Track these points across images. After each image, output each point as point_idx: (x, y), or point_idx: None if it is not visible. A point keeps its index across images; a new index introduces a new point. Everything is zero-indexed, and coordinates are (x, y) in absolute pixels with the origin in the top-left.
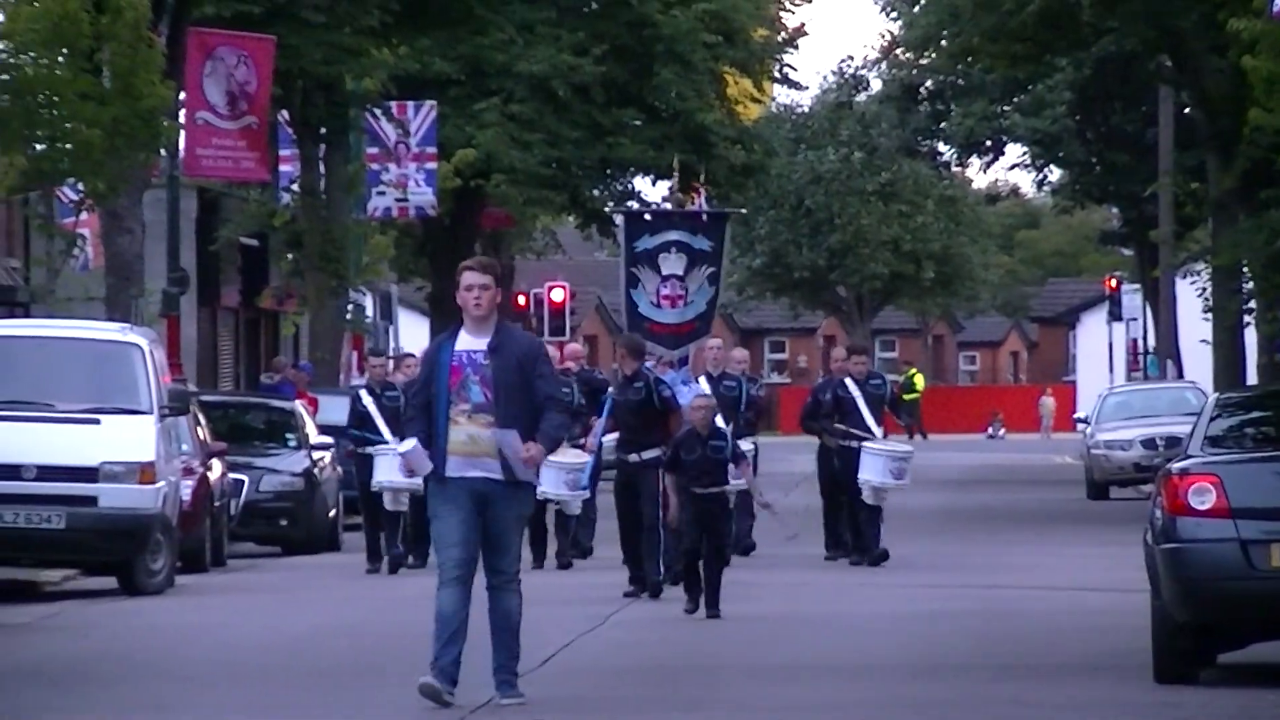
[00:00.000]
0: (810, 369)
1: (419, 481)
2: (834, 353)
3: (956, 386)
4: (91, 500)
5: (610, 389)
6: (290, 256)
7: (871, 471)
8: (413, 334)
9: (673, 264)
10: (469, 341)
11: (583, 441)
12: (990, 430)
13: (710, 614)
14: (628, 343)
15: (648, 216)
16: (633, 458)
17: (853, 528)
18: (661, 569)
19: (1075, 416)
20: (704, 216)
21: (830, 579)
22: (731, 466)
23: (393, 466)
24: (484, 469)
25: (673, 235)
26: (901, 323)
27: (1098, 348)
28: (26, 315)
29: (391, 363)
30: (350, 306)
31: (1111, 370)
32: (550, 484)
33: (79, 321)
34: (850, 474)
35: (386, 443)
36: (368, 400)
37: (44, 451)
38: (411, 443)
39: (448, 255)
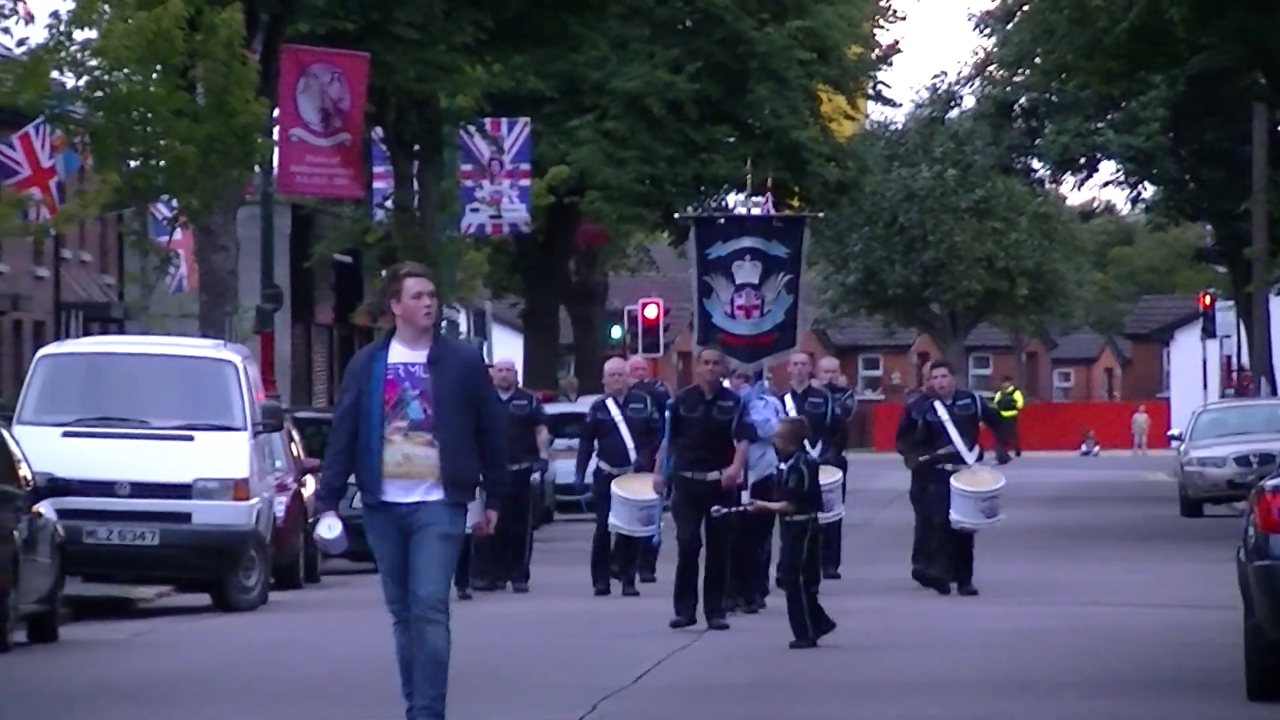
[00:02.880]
0: (904, 386)
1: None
2: (926, 369)
3: (1050, 403)
4: (185, 517)
5: (670, 404)
6: (384, 273)
7: (963, 513)
8: (507, 350)
9: (747, 272)
10: (404, 353)
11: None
12: (1084, 447)
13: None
14: (720, 357)
15: (721, 221)
16: (711, 476)
17: (937, 552)
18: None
19: (1169, 433)
20: (778, 222)
21: (919, 596)
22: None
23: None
24: (414, 492)
25: (746, 242)
26: (995, 340)
27: (1191, 364)
28: (121, 332)
29: None
30: (444, 323)
31: (1205, 387)
32: (623, 520)
33: (173, 338)
34: (943, 496)
35: None
36: None
37: (138, 468)
38: (335, 526)
39: (542, 272)
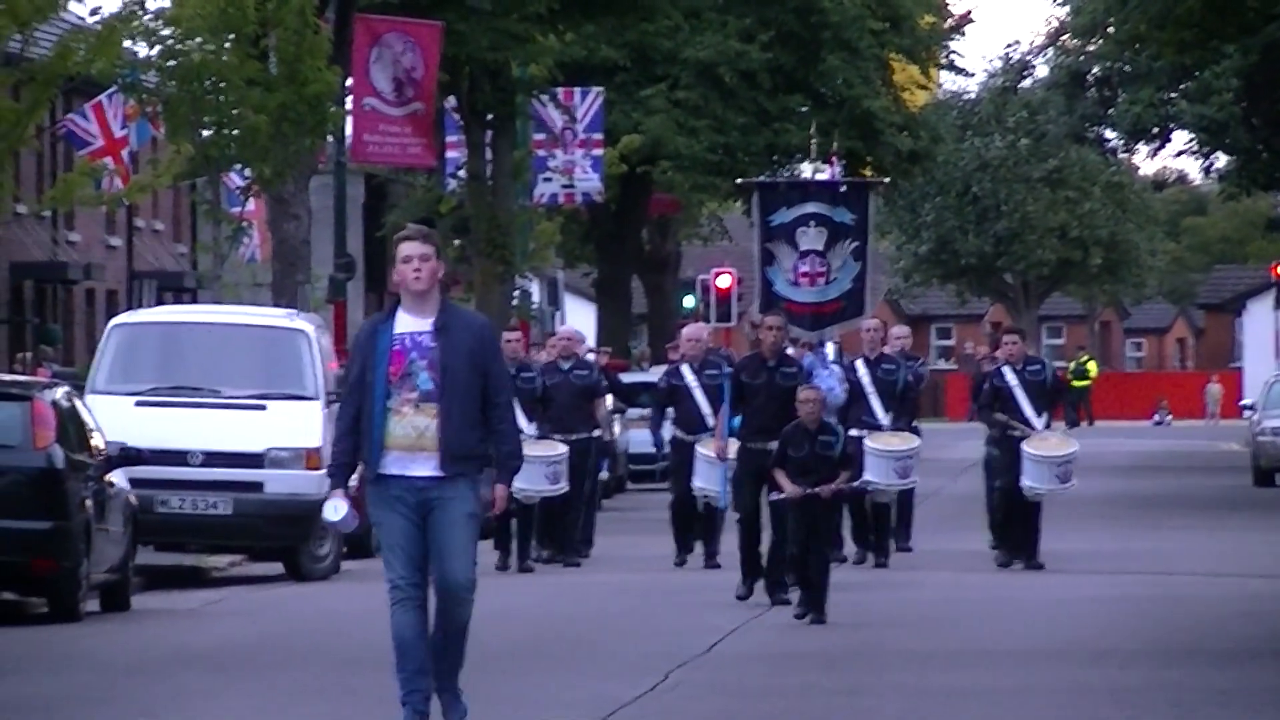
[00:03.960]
0: (975, 355)
1: (561, 487)
2: (997, 336)
3: (1123, 373)
4: (258, 486)
5: (731, 371)
6: (457, 243)
7: (1035, 478)
8: (579, 320)
9: (812, 239)
10: (410, 322)
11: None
12: (1157, 417)
13: (815, 619)
14: (784, 322)
15: (783, 187)
16: (773, 445)
17: (1005, 522)
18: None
19: (1241, 403)
20: (843, 187)
21: (992, 566)
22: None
23: (535, 475)
24: (425, 466)
25: (810, 208)
26: (1068, 309)
27: (1264, 334)
28: (193, 301)
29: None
30: (517, 293)
31: (1278, 356)
32: (704, 479)
33: (245, 308)
34: (1012, 466)
35: (520, 430)
36: None
37: (210, 438)
38: (341, 507)
39: (614, 242)
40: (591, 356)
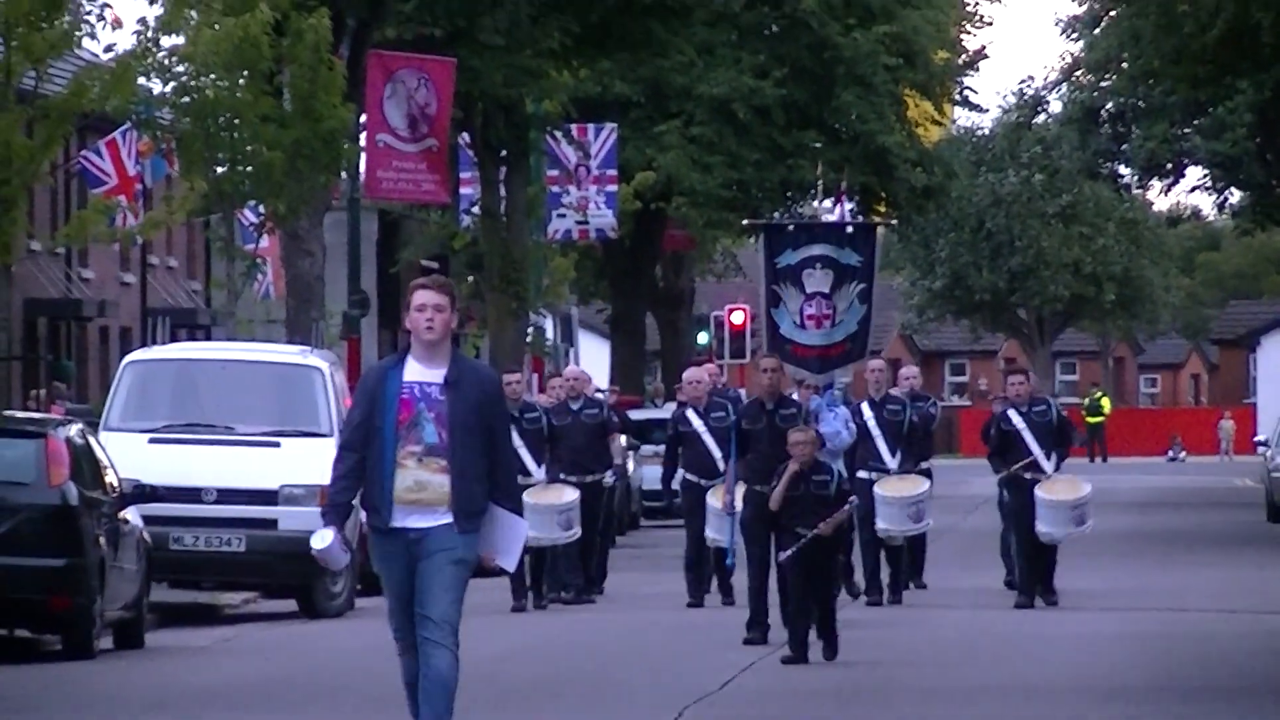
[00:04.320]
0: (991, 391)
1: (575, 533)
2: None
3: (1137, 409)
4: (271, 523)
5: (734, 421)
6: (471, 279)
7: (1052, 524)
8: (593, 356)
9: (818, 281)
10: (420, 371)
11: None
12: (1170, 453)
13: (828, 656)
14: (779, 364)
15: (790, 228)
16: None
17: (1019, 561)
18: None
19: (1255, 439)
20: (850, 229)
21: (1007, 602)
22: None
23: (547, 524)
24: (426, 519)
25: (817, 249)
26: (1082, 344)
27: (1278, 369)
28: (208, 337)
29: (539, 382)
30: (530, 329)
31: None
32: (715, 530)
33: (259, 344)
34: (1025, 505)
35: (529, 473)
36: None
37: (224, 475)
38: (329, 536)
39: (629, 277)
40: (600, 395)
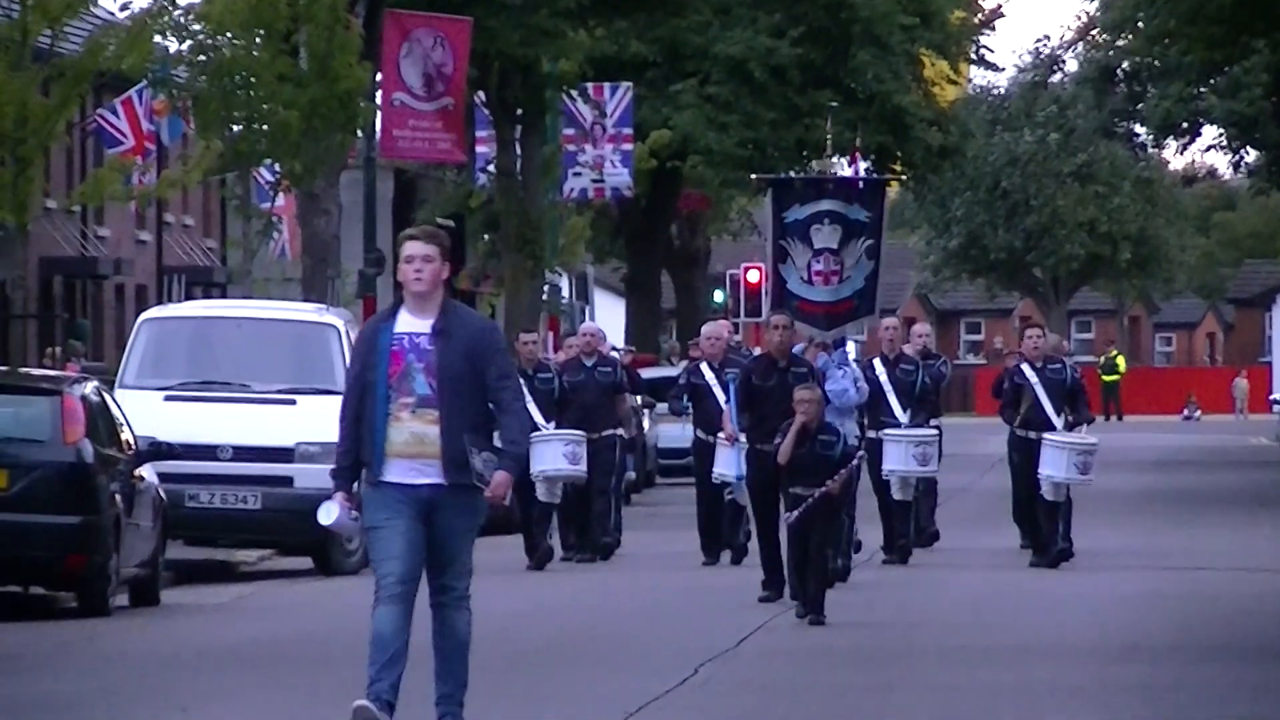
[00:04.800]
0: (1008, 348)
1: (581, 470)
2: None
3: (1153, 368)
4: (287, 481)
5: (738, 374)
6: (487, 238)
7: (1053, 466)
8: (609, 315)
9: (826, 237)
10: (411, 323)
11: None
12: (1186, 412)
13: (815, 620)
14: (790, 321)
15: (798, 184)
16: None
17: (1033, 524)
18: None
19: (1270, 398)
20: (860, 184)
21: (1023, 563)
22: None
23: (552, 455)
24: (428, 474)
25: (826, 205)
26: (1098, 304)
27: None
28: (223, 296)
29: (555, 341)
30: (546, 288)
31: None
32: (722, 464)
33: (275, 302)
34: (1029, 467)
35: (538, 429)
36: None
37: (240, 432)
38: (335, 511)
39: (644, 237)
40: (615, 354)
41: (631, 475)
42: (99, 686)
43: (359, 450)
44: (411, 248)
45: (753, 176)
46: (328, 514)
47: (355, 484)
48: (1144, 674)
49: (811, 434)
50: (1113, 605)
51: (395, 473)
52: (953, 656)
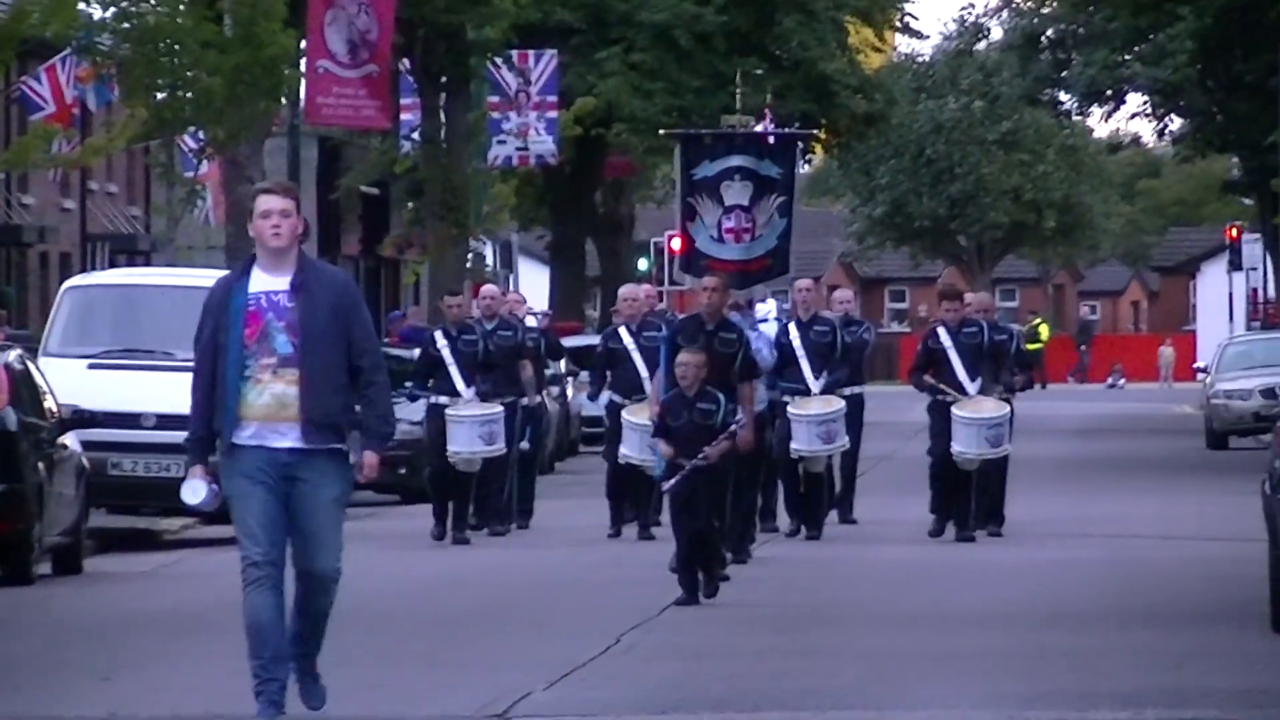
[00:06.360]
0: (931, 318)
1: (498, 448)
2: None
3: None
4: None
5: (667, 334)
6: (411, 205)
7: (964, 443)
8: (533, 282)
9: (737, 193)
10: (266, 281)
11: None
12: (1110, 380)
13: (707, 593)
14: (722, 284)
15: (708, 140)
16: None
17: (942, 491)
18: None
19: (1195, 366)
20: (771, 139)
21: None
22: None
23: (467, 436)
24: (290, 437)
25: (736, 160)
26: (1023, 272)
27: (1218, 297)
28: (148, 263)
29: (475, 301)
30: (471, 255)
31: (1232, 319)
32: (634, 449)
33: (200, 270)
34: (944, 433)
35: (459, 394)
36: (442, 344)
37: (163, 400)
38: (200, 489)
39: (569, 204)
40: (532, 320)
41: (525, 445)
42: (23, 653)
43: (212, 418)
44: (269, 201)
45: (660, 131)
46: (194, 493)
47: (210, 456)
48: (1069, 641)
49: (690, 402)
50: (1038, 572)
51: (252, 437)
52: (877, 622)
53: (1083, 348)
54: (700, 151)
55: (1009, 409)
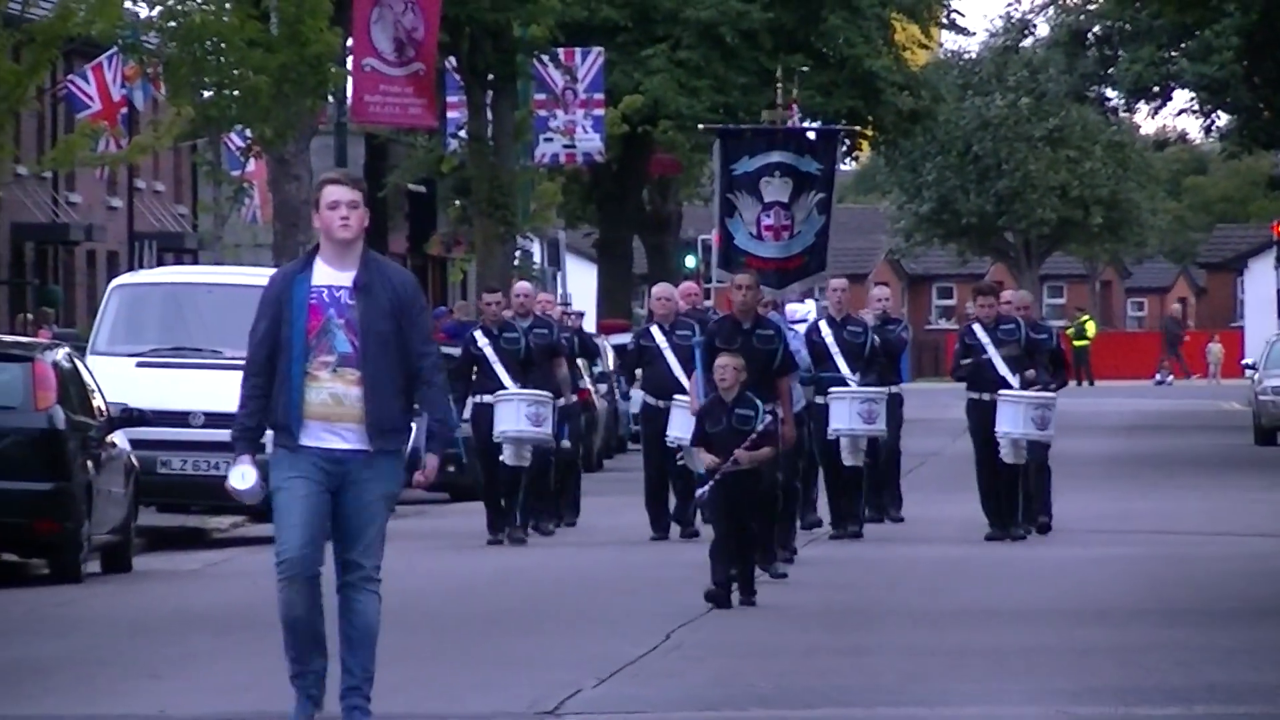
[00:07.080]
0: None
1: (545, 432)
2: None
3: (1124, 332)
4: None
5: (702, 336)
6: (458, 203)
7: (1009, 422)
8: (580, 280)
9: (776, 190)
10: (330, 275)
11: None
12: (1158, 376)
13: (745, 600)
14: (756, 281)
15: (748, 134)
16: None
17: (994, 493)
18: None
19: (1243, 362)
20: (811, 135)
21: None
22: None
23: (514, 415)
24: (347, 439)
25: (776, 157)
26: (1069, 268)
27: (1265, 293)
28: (195, 262)
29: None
30: (518, 253)
31: (1279, 316)
32: (680, 428)
33: (247, 268)
34: (986, 431)
35: (504, 389)
36: (484, 342)
37: (212, 398)
38: (250, 475)
39: (615, 202)
40: (566, 317)
41: (566, 444)
42: (72, 652)
43: (265, 412)
44: (337, 192)
45: (700, 126)
46: (243, 478)
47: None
48: (1115, 637)
49: (729, 407)
50: (1084, 569)
51: (311, 436)
52: (922, 619)
53: (1173, 351)
54: (740, 147)
55: (1055, 395)
